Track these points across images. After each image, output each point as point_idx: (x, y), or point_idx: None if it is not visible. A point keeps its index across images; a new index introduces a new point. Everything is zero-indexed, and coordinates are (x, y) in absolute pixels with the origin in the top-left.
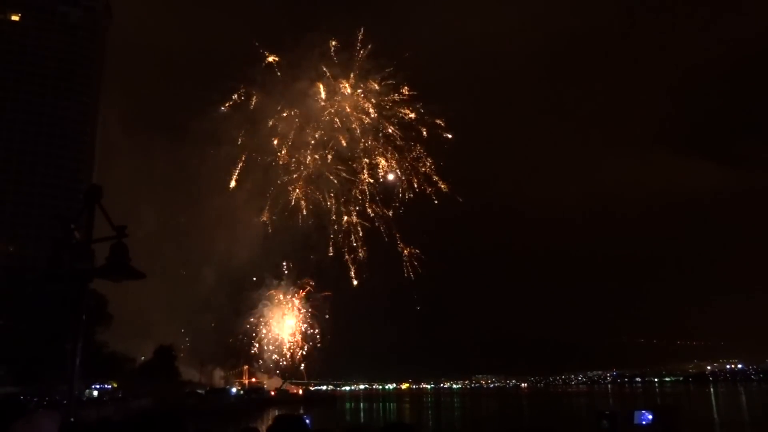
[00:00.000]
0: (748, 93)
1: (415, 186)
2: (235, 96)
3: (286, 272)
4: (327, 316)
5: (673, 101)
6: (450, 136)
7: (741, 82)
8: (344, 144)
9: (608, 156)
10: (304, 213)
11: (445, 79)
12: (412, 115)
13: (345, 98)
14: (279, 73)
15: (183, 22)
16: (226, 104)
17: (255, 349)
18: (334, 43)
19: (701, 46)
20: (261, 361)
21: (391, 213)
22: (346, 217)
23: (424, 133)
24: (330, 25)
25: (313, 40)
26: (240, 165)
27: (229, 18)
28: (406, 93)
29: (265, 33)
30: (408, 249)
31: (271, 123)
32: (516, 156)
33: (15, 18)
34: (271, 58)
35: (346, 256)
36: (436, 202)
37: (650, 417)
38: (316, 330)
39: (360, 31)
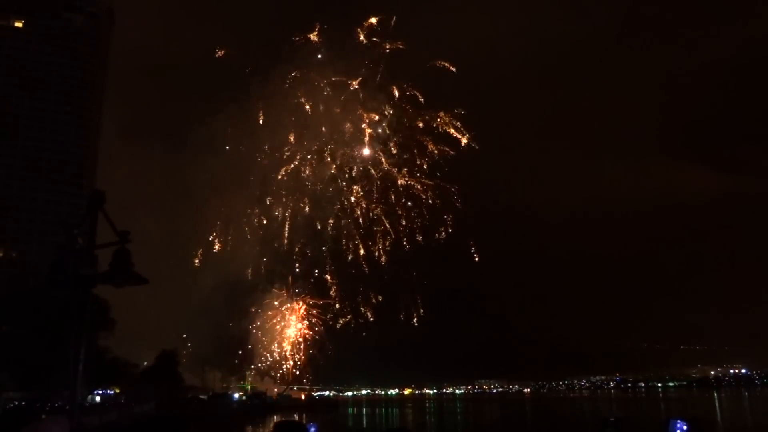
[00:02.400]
0: (747, 99)
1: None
2: (235, 105)
3: (284, 278)
4: (328, 322)
5: (671, 107)
6: (466, 140)
7: (739, 88)
8: (340, 160)
9: (607, 162)
10: (301, 223)
11: (441, 86)
12: (420, 124)
13: (344, 109)
14: (278, 84)
15: (183, 31)
16: (225, 113)
17: (255, 354)
18: (330, 51)
19: (699, 52)
20: (262, 366)
21: (389, 223)
22: (346, 222)
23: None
24: (328, 34)
25: (311, 49)
26: (237, 173)
27: (229, 28)
28: (407, 103)
29: (265, 43)
30: (413, 276)
31: (269, 132)
32: (514, 159)
33: (18, 24)
34: (270, 69)
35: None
36: (444, 235)
37: (685, 428)
38: (317, 335)
39: (359, 38)
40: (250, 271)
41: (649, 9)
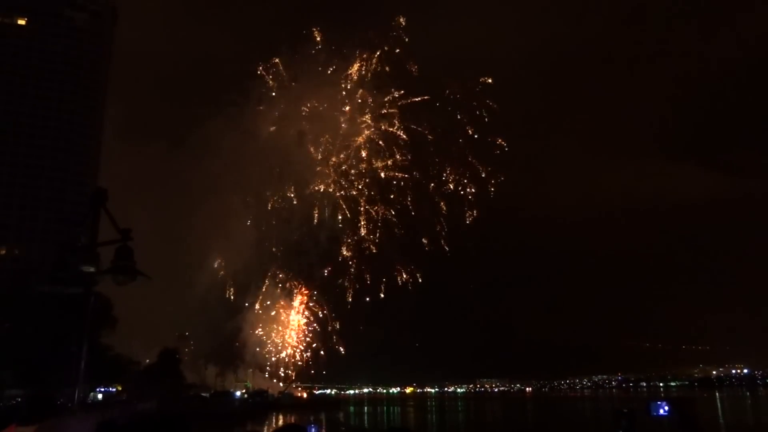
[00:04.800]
0: (743, 102)
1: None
2: (234, 107)
3: (283, 277)
4: (329, 323)
5: (668, 109)
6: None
7: (736, 91)
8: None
9: (606, 163)
10: (298, 222)
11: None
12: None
13: (341, 111)
14: (277, 87)
15: (185, 32)
16: (223, 116)
17: (255, 351)
18: (329, 50)
19: (697, 56)
20: (268, 367)
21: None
22: (342, 217)
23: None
24: (326, 38)
25: (311, 53)
26: (235, 174)
27: (231, 31)
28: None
29: (266, 48)
30: (408, 268)
31: (268, 133)
32: (515, 160)
33: (21, 22)
34: (270, 73)
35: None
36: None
37: (667, 408)
38: (318, 334)
39: (357, 41)
40: (246, 268)
41: (649, 13)
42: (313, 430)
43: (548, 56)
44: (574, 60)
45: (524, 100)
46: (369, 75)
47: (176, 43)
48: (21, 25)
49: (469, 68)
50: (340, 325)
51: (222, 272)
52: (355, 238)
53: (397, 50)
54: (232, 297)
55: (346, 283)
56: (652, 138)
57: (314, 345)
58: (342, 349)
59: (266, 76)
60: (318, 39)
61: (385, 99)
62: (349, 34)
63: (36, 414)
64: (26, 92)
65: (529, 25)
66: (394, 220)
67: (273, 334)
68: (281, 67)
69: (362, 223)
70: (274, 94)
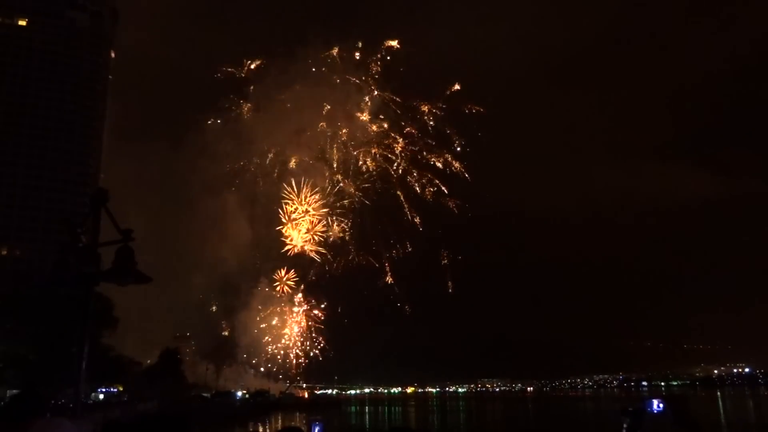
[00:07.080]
0: (739, 102)
1: (425, 191)
2: (233, 108)
3: (282, 276)
4: (325, 324)
5: (665, 111)
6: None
7: (732, 91)
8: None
9: (604, 164)
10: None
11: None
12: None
13: (338, 111)
14: (274, 90)
15: (185, 34)
16: (221, 117)
17: (255, 352)
18: (334, 51)
19: (693, 59)
20: (263, 366)
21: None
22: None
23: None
24: (324, 40)
25: (307, 55)
26: (231, 175)
27: (231, 34)
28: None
29: (264, 52)
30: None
31: (264, 136)
32: (514, 161)
33: (22, 23)
34: (267, 76)
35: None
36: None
37: (661, 406)
38: (319, 334)
39: (358, 43)
40: (244, 268)
41: (647, 20)
42: (317, 428)
43: (546, 59)
44: (572, 62)
45: (521, 102)
46: (369, 81)
47: (176, 44)
48: (22, 26)
49: (469, 72)
50: (339, 326)
51: (220, 273)
52: (351, 250)
53: (395, 64)
54: (229, 297)
55: (343, 289)
56: (649, 139)
57: (314, 345)
58: (341, 350)
59: (263, 79)
60: (310, 54)
61: (384, 106)
62: (346, 38)
63: (22, 412)
64: (27, 93)
65: (528, 28)
66: (393, 236)
67: (271, 334)
68: (278, 71)
69: (356, 236)
70: (271, 97)
